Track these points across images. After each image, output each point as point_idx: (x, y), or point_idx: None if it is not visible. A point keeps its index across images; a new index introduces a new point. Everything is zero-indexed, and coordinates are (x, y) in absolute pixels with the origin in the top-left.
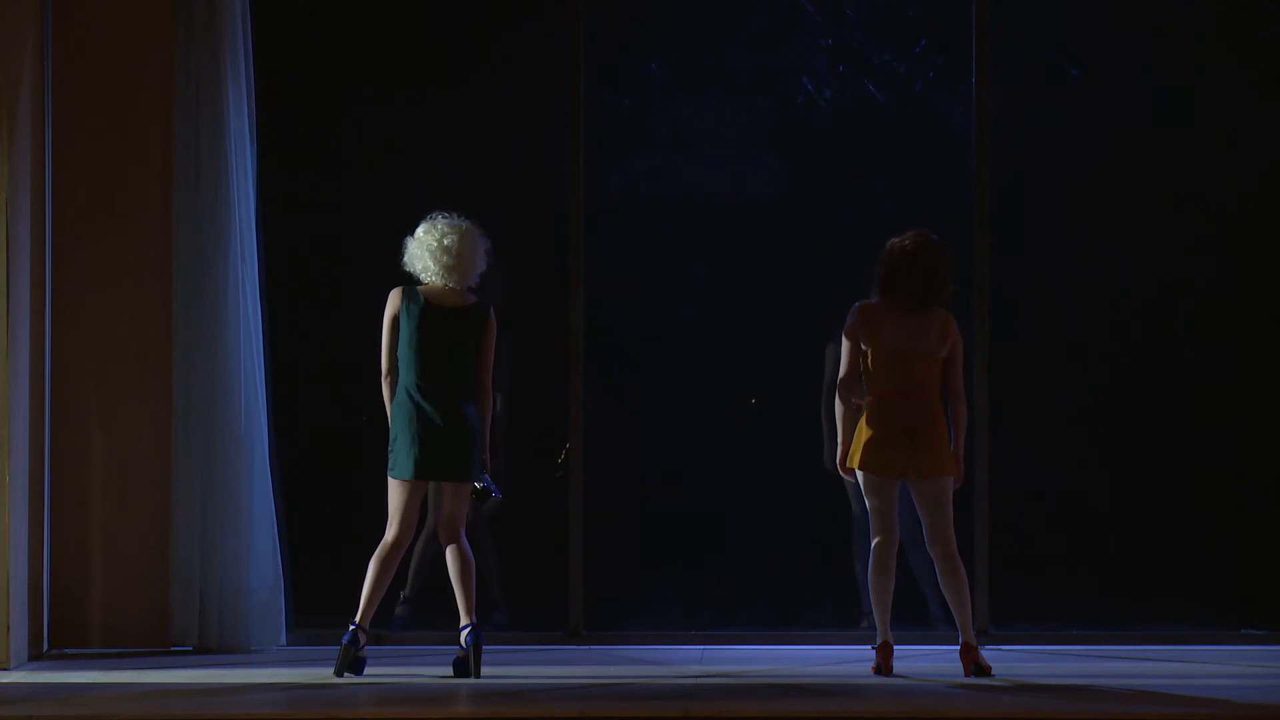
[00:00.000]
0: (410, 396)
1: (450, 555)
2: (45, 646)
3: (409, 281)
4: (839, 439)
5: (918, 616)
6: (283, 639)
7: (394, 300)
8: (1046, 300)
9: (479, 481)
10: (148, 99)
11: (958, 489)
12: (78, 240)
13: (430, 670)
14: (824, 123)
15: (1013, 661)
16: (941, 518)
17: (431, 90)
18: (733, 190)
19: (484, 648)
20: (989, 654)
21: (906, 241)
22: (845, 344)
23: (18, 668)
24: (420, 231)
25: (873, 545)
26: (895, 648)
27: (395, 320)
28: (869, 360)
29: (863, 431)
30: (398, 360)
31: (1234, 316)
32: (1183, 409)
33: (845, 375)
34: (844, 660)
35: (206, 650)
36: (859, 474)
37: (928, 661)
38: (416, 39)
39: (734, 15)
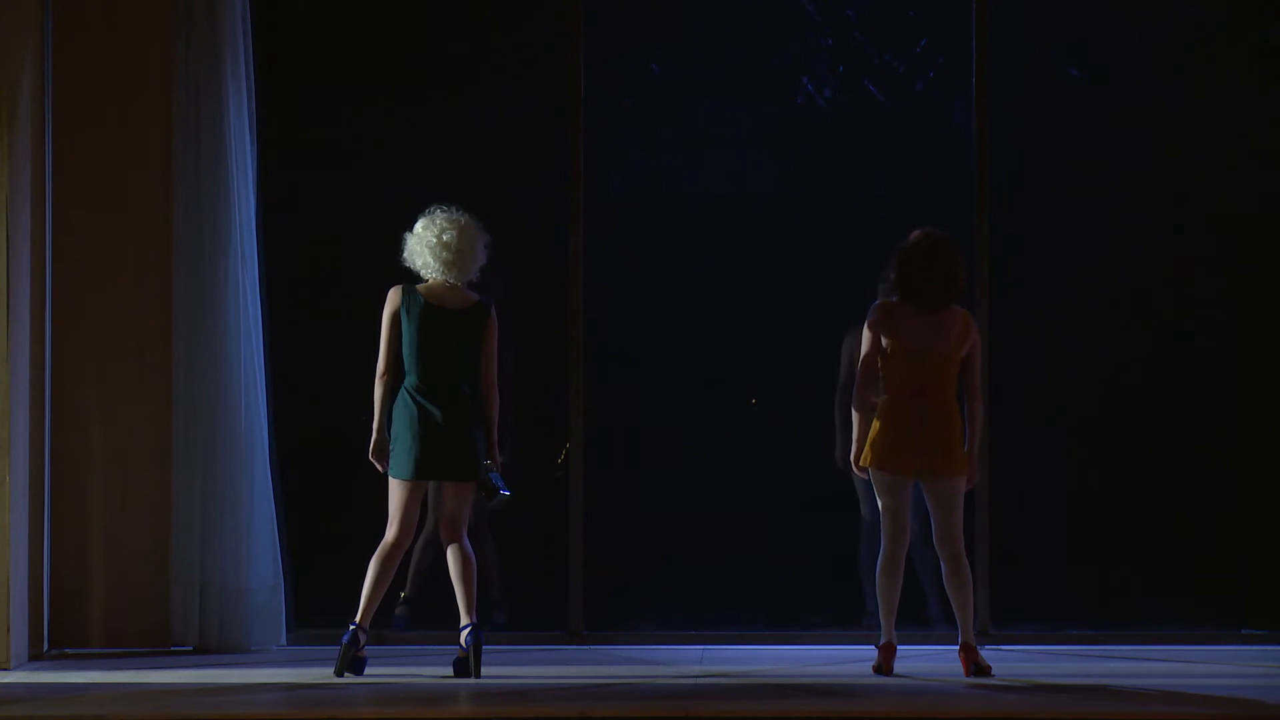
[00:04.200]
0: (412, 396)
1: (452, 555)
2: (45, 646)
3: (409, 279)
4: (854, 436)
5: (918, 616)
6: (283, 639)
7: (393, 299)
8: (1046, 300)
9: (490, 482)
10: (148, 99)
11: (972, 488)
12: (78, 239)
13: (430, 670)
14: (824, 123)
15: (1013, 661)
16: (951, 516)
17: (432, 90)
18: (733, 190)
19: (484, 648)
20: (989, 654)
21: (920, 240)
22: (865, 342)
23: (18, 668)
24: (419, 227)
25: (883, 545)
26: (896, 648)
27: (394, 319)
28: (887, 358)
29: (877, 430)
30: (396, 360)
31: (1235, 316)
32: (1183, 409)
33: (863, 373)
34: (844, 660)
35: (206, 650)
36: (872, 473)
37: (928, 661)
38: (417, 38)
39: (734, 15)
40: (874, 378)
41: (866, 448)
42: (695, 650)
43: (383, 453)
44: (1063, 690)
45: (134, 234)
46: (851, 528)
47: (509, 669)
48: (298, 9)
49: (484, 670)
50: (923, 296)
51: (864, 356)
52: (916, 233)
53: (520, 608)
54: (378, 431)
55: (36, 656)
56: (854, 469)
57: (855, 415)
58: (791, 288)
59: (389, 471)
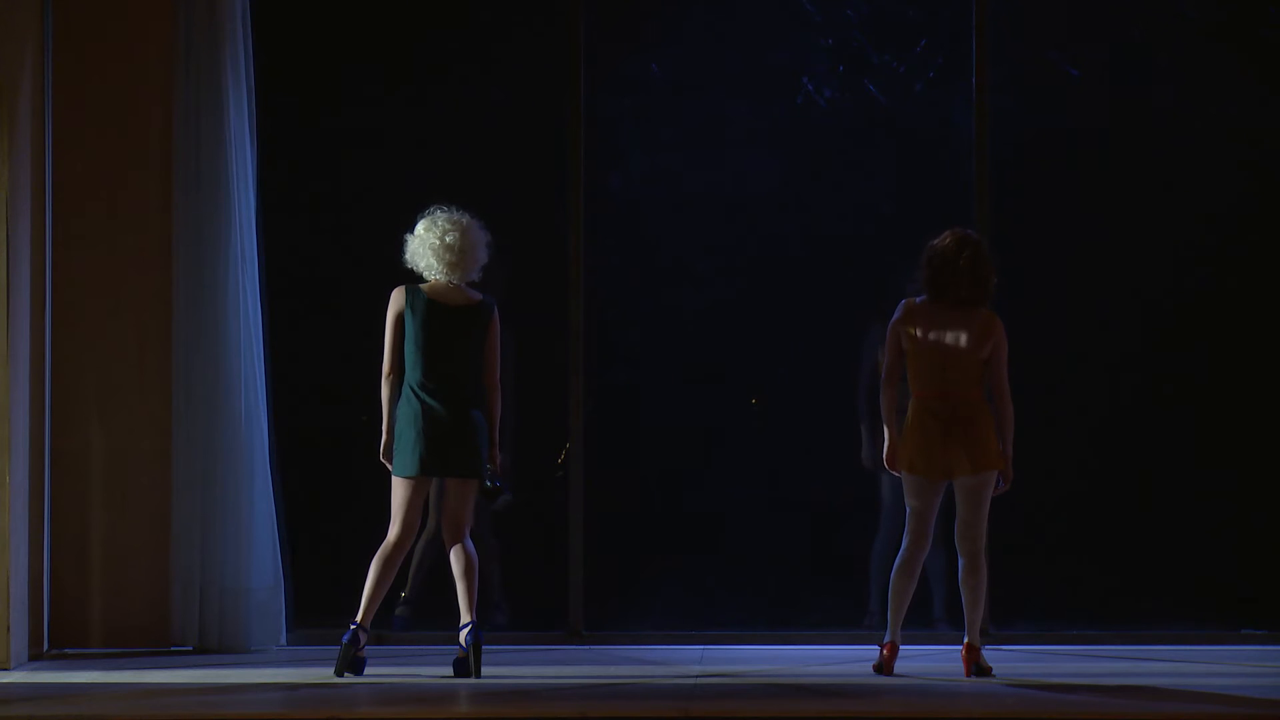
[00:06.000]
0: (415, 394)
1: (454, 554)
2: (45, 646)
3: (410, 280)
4: (885, 436)
5: (920, 617)
6: (283, 639)
7: (397, 299)
8: (1046, 300)
9: (490, 480)
10: (148, 99)
11: (1005, 491)
12: (78, 240)
13: (430, 670)
14: (824, 123)
15: (1013, 661)
16: (976, 513)
17: (432, 90)
18: (733, 190)
19: (484, 648)
20: (989, 654)
21: (947, 240)
22: (889, 342)
23: (18, 668)
24: (421, 229)
25: (904, 546)
26: (899, 648)
27: (398, 319)
28: (911, 359)
29: (908, 434)
30: (400, 360)
31: (1235, 317)
32: (1182, 409)
33: (888, 373)
34: (844, 660)
35: (207, 650)
36: (903, 476)
37: (928, 661)
38: (417, 39)
39: (734, 15)
40: (898, 378)
41: (900, 452)
42: (695, 650)
43: (393, 453)
44: (1063, 690)
45: (134, 234)
46: (852, 528)
47: (509, 669)
48: (298, 9)
49: (484, 670)
50: (946, 295)
51: (887, 356)
52: (946, 232)
53: (520, 608)
54: (387, 432)
55: (36, 656)
56: (888, 468)
57: (884, 415)
58: (791, 287)
59: (392, 470)
